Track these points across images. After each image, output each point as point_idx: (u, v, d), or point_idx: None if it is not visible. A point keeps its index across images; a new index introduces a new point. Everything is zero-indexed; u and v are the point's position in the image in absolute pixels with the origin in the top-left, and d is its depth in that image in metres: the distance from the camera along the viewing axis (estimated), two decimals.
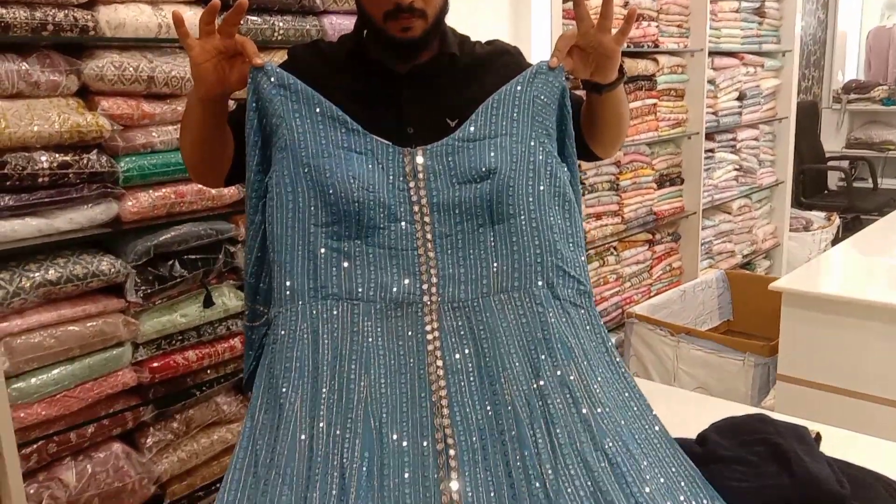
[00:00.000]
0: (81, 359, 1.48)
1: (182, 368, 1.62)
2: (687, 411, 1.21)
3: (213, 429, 1.71)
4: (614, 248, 2.98)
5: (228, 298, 1.70)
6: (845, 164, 5.13)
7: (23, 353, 1.40)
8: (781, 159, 3.95)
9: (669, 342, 2.66)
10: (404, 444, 0.91)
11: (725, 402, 1.39)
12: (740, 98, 3.52)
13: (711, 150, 3.42)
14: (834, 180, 5.23)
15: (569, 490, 0.86)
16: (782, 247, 4.01)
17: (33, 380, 1.42)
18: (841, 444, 1.15)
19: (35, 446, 1.43)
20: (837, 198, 4.91)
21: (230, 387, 1.74)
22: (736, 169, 3.63)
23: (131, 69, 1.51)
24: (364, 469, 0.89)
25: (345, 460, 0.89)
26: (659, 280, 3.27)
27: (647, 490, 0.88)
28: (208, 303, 1.65)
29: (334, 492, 0.87)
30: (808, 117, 4.78)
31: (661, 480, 0.91)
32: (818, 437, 1.12)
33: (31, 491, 1.42)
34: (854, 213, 4.60)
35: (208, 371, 1.68)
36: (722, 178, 3.53)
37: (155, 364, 1.58)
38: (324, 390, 0.93)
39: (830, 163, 5.09)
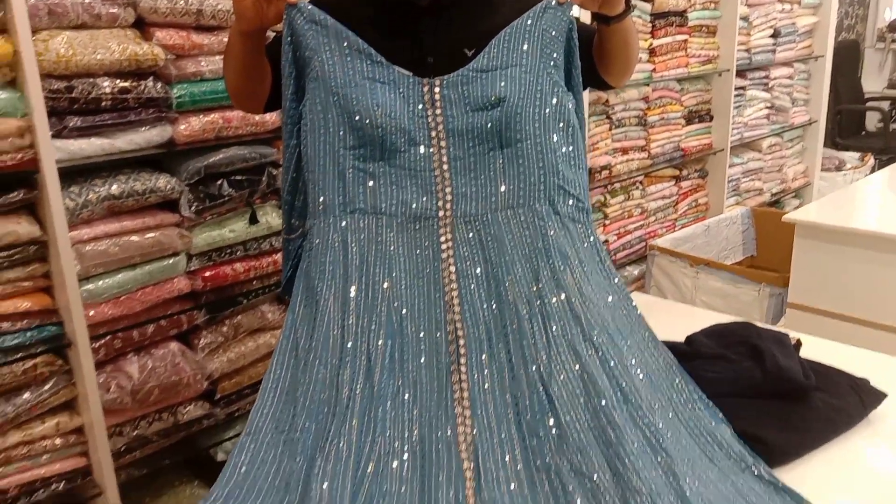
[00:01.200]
0: (142, 266, 1.65)
1: (230, 278, 1.79)
2: (686, 322, 1.33)
3: (258, 334, 1.89)
4: (640, 182, 3.06)
5: (271, 217, 1.86)
6: (886, 104, 5.06)
7: (91, 258, 1.57)
8: (815, 99, 3.93)
9: (689, 273, 2.76)
10: (421, 335, 1.05)
11: (726, 315, 1.51)
12: (774, 35, 3.51)
13: (742, 88, 3.44)
14: (873, 121, 5.17)
15: (560, 375, 1.00)
16: (812, 186, 4.03)
17: (101, 282, 1.60)
18: (819, 350, 1.27)
19: (103, 341, 1.62)
20: (874, 139, 4.87)
21: (273, 297, 1.91)
22: (767, 107, 3.64)
23: (182, 2, 1.64)
24: (387, 354, 1.04)
25: (371, 347, 1.04)
26: (684, 215, 3.34)
27: (630, 376, 1.01)
28: (253, 220, 1.81)
29: (362, 371, 1.02)
30: (849, 56, 4.71)
31: (643, 368, 1.04)
32: (798, 343, 1.24)
33: (101, 380, 1.62)
34: (890, 155, 4.57)
35: (254, 282, 1.85)
36: (752, 116, 3.55)
37: (206, 273, 1.75)
38: (352, 290, 1.07)
39: (870, 103, 5.03)
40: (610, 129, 2.85)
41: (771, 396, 1.06)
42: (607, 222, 2.94)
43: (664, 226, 3.24)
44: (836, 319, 2.25)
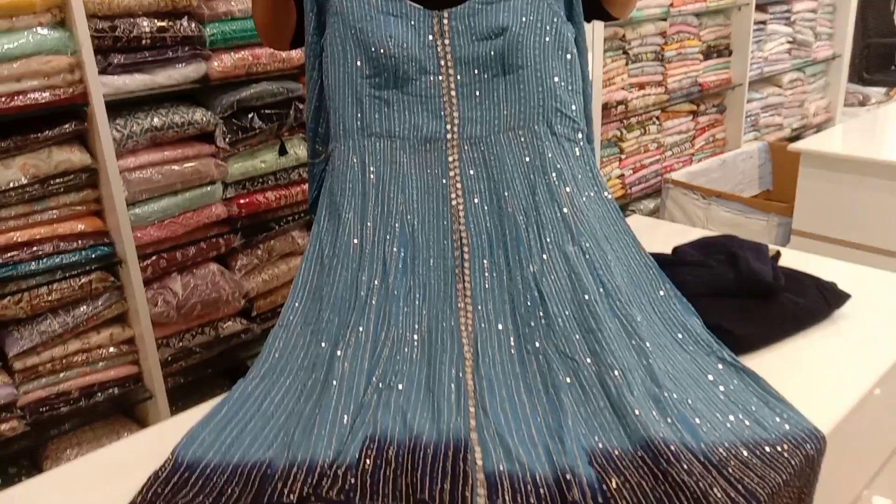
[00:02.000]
0: (182, 192, 1.81)
1: (263, 206, 1.94)
2: (680, 239, 1.44)
3: (289, 258, 2.05)
4: (657, 117, 3.13)
5: (299, 149, 1.99)
6: None
7: (137, 185, 1.73)
8: (840, 32, 3.92)
9: (700, 205, 2.85)
10: (430, 243, 1.19)
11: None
12: None
13: (763, 22, 3.45)
14: None
15: (551, 276, 1.13)
16: (834, 121, 4.05)
17: (146, 207, 1.76)
18: (795, 261, 1.38)
19: (150, 260, 1.79)
20: None
21: (302, 224, 2.06)
22: (789, 41, 3.65)
23: None
24: (400, 260, 1.18)
25: (386, 254, 1.18)
26: (701, 150, 3.41)
27: (612, 275, 1.14)
28: (282, 151, 1.95)
29: (378, 274, 1.17)
30: None
31: (625, 270, 1.17)
32: (777, 254, 1.35)
33: (149, 295, 1.79)
34: None
35: (285, 209, 2.00)
36: (773, 51, 3.57)
37: (241, 201, 1.90)
38: (370, 205, 1.21)
39: None
40: (626, 65, 2.92)
41: (741, 296, 1.18)
42: (623, 157, 3.03)
43: (681, 160, 3.32)
44: (839, 245, 2.34)
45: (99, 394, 1.78)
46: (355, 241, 1.20)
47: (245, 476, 0.89)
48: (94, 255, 1.70)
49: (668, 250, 1.37)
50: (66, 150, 1.63)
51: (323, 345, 1.11)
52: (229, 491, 0.87)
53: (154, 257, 1.80)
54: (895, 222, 2.21)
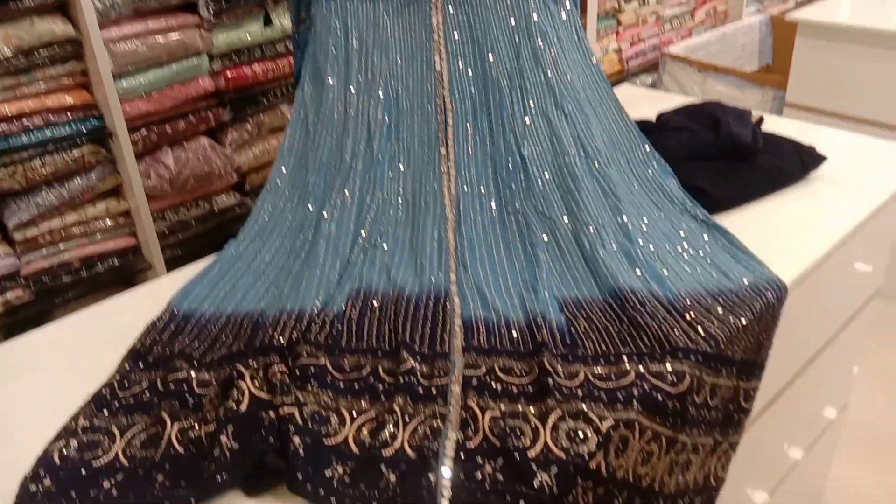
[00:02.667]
0: (169, 64, 1.79)
1: (251, 79, 1.93)
2: (667, 106, 1.45)
3: (279, 133, 2.05)
4: None
5: (284, 19, 1.95)
6: None
7: (123, 56, 1.71)
8: None
9: (697, 79, 2.82)
10: (414, 107, 1.20)
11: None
12: None
13: None
14: None
15: (532, 138, 1.15)
16: None
17: (133, 80, 1.75)
18: (777, 126, 1.39)
19: (140, 134, 1.80)
20: None
21: (291, 98, 2.05)
22: None
23: None
24: (385, 124, 1.19)
25: (370, 119, 1.19)
26: (701, 24, 3.33)
27: (593, 137, 1.16)
28: (267, 21, 1.91)
29: (363, 139, 1.18)
30: None
31: (606, 133, 1.19)
32: (760, 120, 1.36)
33: (142, 168, 1.81)
34: None
35: (273, 83, 1.99)
36: None
37: (228, 74, 1.89)
38: (353, 70, 1.21)
39: None
40: None
41: (720, 158, 1.20)
42: (620, 29, 2.96)
43: (680, 34, 3.24)
44: (833, 118, 2.34)
45: (99, 264, 1.83)
46: (339, 106, 1.21)
47: (238, 325, 0.95)
48: (84, 128, 1.71)
49: (652, 113, 1.38)
50: (49, 21, 1.61)
51: (310, 207, 1.15)
52: (223, 337, 0.93)
53: (144, 130, 1.80)
54: (889, 93, 2.19)
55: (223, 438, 0.72)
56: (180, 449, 0.75)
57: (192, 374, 0.85)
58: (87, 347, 0.96)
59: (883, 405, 2.11)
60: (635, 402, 0.78)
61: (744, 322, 0.90)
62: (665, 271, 0.98)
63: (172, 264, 1.92)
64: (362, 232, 1.10)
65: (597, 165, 1.12)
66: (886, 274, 1.42)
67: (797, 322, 1.08)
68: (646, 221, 1.08)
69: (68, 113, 1.68)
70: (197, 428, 0.76)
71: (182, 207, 1.93)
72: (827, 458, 1.68)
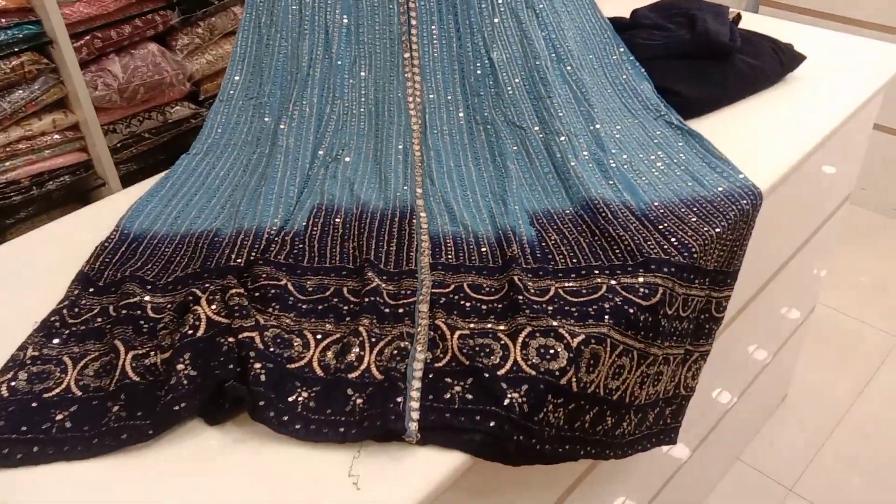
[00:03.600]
0: None
1: None
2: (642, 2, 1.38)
3: (232, 37, 1.94)
4: None
5: None
6: None
7: None
8: None
9: None
10: (375, 7, 1.12)
11: None
12: None
13: None
14: None
15: (502, 41, 1.09)
16: None
17: None
18: (756, 23, 1.33)
19: (83, 40, 1.68)
20: None
21: None
22: None
23: None
24: (344, 26, 1.11)
25: (328, 21, 1.11)
26: None
27: (564, 38, 1.10)
28: None
29: (321, 44, 1.11)
30: None
31: (578, 32, 1.12)
32: (738, 17, 1.30)
33: (87, 78, 1.70)
34: None
35: None
36: None
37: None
38: None
39: None
40: None
41: (695, 57, 1.15)
42: None
43: None
44: (808, 15, 2.27)
45: (50, 182, 1.75)
46: (293, 6, 1.13)
47: (192, 245, 0.90)
48: (21, 35, 1.59)
49: (627, 10, 1.32)
50: None
51: (266, 119, 1.08)
52: (177, 259, 0.88)
53: (87, 37, 1.68)
54: None
55: (180, 366, 0.69)
56: (135, 377, 0.71)
57: (146, 298, 0.81)
58: (36, 271, 0.91)
59: (847, 306, 2.15)
60: (606, 317, 0.76)
61: (717, 231, 0.87)
62: (638, 180, 0.95)
63: (127, 180, 1.84)
64: (322, 144, 1.04)
65: (569, 69, 1.06)
66: (858, 180, 1.41)
67: (770, 229, 1.06)
68: (619, 128, 1.03)
69: (2, 18, 1.56)
70: (153, 355, 0.73)
71: (134, 119, 1.83)
72: (792, 358, 1.71)
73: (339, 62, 1.10)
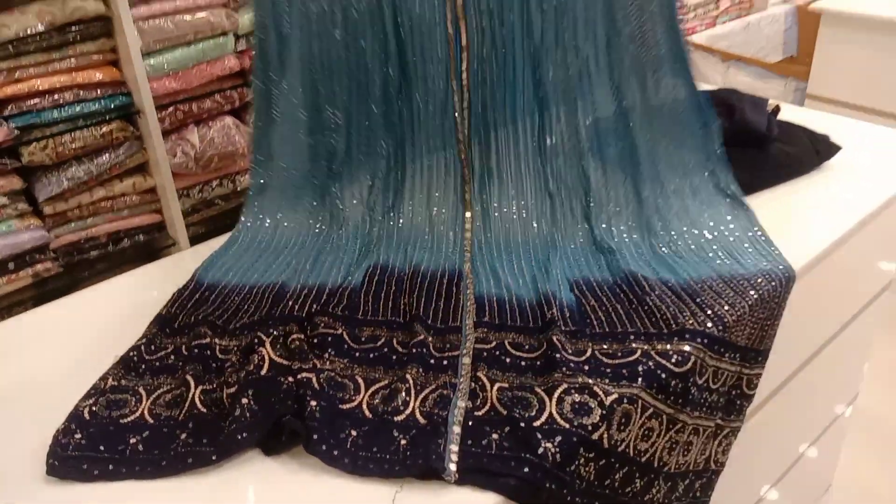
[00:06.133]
0: (196, 43, 1.82)
1: None
2: None
3: None
4: None
5: None
6: None
7: (150, 34, 1.75)
8: None
9: (719, 69, 2.81)
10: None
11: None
12: None
13: None
14: None
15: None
16: None
17: (161, 58, 1.78)
18: (794, 115, 1.40)
19: (167, 111, 1.84)
20: None
21: None
22: None
23: None
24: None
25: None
26: (726, 13, 3.31)
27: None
28: None
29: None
30: None
31: None
32: (776, 109, 1.37)
33: (168, 146, 1.85)
34: None
35: None
36: None
37: (253, 53, 1.92)
38: None
39: None
40: None
41: (733, 145, 1.21)
42: None
43: (704, 23, 3.23)
44: (854, 110, 2.33)
45: (125, 240, 1.88)
46: None
47: (259, 295, 0.99)
48: (112, 105, 1.75)
49: None
50: None
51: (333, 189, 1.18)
52: (245, 307, 0.97)
53: (171, 108, 1.84)
54: None
55: (244, 400, 0.76)
56: (203, 409, 0.79)
57: (216, 340, 0.89)
58: (112, 316, 1.01)
59: (894, 401, 2.12)
60: (639, 379, 0.81)
61: (749, 303, 0.92)
62: (679, 260, 1.00)
63: (196, 242, 1.96)
64: (382, 213, 1.12)
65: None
66: None
67: (805, 311, 1.09)
68: (672, 188, 1.08)
69: (98, 89, 1.72)
70: (219, 390, 0.80)
71: (206, 185, 1.97)
72: (835, 451, 1.69)
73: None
